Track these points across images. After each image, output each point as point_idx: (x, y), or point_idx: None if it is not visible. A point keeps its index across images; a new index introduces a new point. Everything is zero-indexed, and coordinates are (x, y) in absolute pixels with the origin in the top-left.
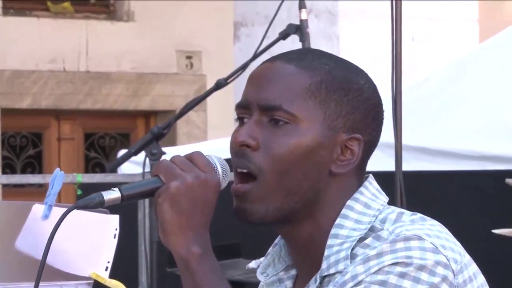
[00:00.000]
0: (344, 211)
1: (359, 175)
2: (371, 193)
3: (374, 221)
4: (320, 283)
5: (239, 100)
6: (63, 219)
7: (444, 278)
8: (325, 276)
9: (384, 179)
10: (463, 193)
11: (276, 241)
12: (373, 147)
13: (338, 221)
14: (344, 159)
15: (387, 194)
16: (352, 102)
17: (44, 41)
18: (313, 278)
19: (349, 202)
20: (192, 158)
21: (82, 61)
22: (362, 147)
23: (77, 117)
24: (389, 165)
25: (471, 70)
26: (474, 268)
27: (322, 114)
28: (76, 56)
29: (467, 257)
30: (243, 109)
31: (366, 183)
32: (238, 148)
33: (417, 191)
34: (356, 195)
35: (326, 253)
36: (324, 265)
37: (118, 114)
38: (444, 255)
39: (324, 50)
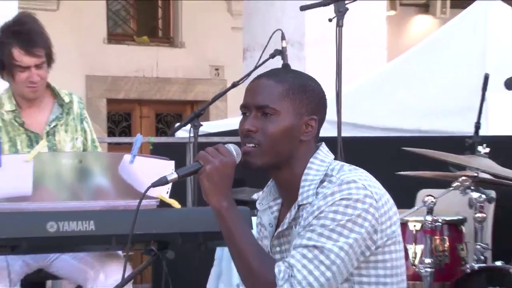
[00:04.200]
0: (309, 165)
1: (315, 140)
2: (324, 154)
3: (327, 170)
4: (297, 209)
5: (242, 102)
6: (145, 194)
7: (371, 205)
8: (300, 205)
9: (330, 142)
10: (376, 152)
11: (268, 183)
12: (323, 122)
13: (306, 171)
14: (308, 131)
15: (332, 152)
16: (309, 98)
17: (131, 59)
18: (293, 206)
19: (311, 159)
20: (218, 148)
21: (154, 71)
22: (318, 117)
23: (152, 104)
24: (333, 133)
25: (405, 69)
26: (387, 195)
27: (292, 107)
28: (151, 68)
29: (382, 190)
30: (245, 108)
31: (320, 147)
32: (246, 132)
33: (351, 151)
34: (315, 154)
35: (300, 191)
36: (299, 198)
37: (175, 103)
38: (370, 190)
39: (290, 68)
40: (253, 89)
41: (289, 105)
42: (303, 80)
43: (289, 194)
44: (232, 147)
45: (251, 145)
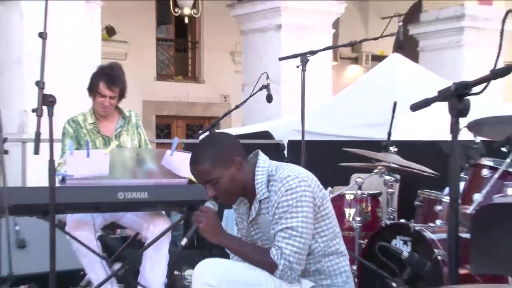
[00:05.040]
0: (256, 173)
1: (246, 159)
2: (263, 161)
3: (268, 171)
4: (259, 203)
5: (197, 180)
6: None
7: (305, 185)
8: (260, 200)
9: (297, 144)
10: (327, 151)
11: None
12: (242, 151)
13: (256, 177)
14: (239, 165)
15: (297, 150)
16: (225, 153)
17: (171, 90)
18: (255, 201)
19: (256, 169)
20: (201, 209)
21: (186, 98)
22: (240, 156)
23: (184, 119)
24: (299, 138)
25: (350, 100)
26: (311, 175)
27: (222, 168)
28: (184, 96)
29: (307, 173)
30: (201, 184)
31: (258, 157)
32: (212, 197)
33: (311, 150)
34: (257, 164)
35: (257, 191)
36: (258, 196)
37: (199, 118)
38: (301, 177)
39: (207, 143)
40: (195, 175)
41: (219, 169)
42: (213, 146)
43: (250, 195)
44: (209, 203)
45: (219, 200)
